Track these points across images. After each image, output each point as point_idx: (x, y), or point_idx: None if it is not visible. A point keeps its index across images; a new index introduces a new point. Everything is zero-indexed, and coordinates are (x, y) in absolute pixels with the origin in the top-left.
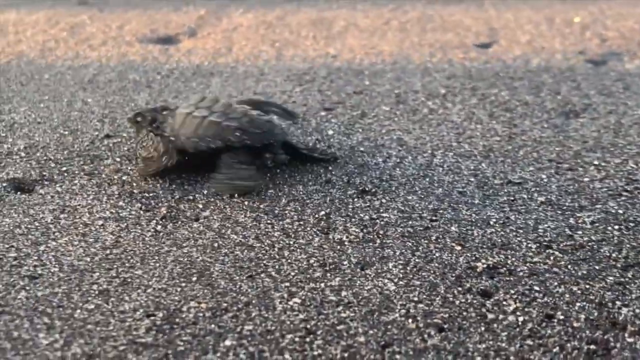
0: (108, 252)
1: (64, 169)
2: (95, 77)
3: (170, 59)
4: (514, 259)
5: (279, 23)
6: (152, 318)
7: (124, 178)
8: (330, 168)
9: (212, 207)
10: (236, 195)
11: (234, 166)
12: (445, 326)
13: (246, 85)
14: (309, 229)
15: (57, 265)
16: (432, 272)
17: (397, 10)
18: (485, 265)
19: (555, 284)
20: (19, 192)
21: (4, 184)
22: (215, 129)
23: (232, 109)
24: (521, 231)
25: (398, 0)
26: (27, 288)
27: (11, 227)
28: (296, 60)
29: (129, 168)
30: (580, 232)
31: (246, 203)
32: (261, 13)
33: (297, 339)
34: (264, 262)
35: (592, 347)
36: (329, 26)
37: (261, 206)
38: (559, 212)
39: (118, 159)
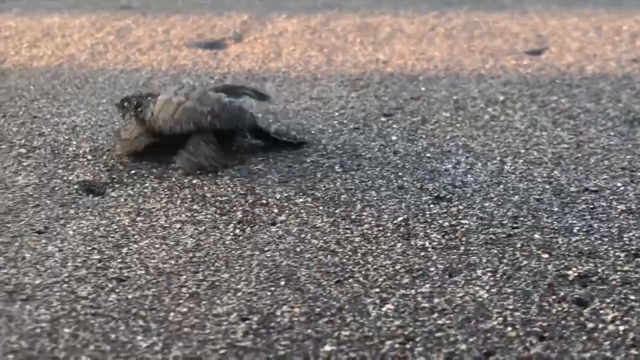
0: (191, 255)
1: (133, 172)
2: (149, 80)
3: (221, 64)
4: (604, 268)
5: (324, 28)
6: (248, 322)
7: (194, 181)
8: (400, 174)
9: (287, 211)
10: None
11: (200, 145)
12: (546, 335)
13: (301, 90)
14: (389, 234)
15: (142, 268)
16: (522, 280)
17: (440, 17)
18: (576, 274)
19: None
20: (90, 195)
21: (75, 187)
22: (190, 113)
23: (207, 96)
24: (606, 239)
25: (440, 6)
26: (117, 290)
27: (90, 230)
28: (347, 65)
29: (198, 171)
30: None
31: (321, 208)
32: (304, 18)
33: (397, 346)
34: (350, 267)
35: None
36: (374, 32)
37: (337, 211)
38: None
39: None
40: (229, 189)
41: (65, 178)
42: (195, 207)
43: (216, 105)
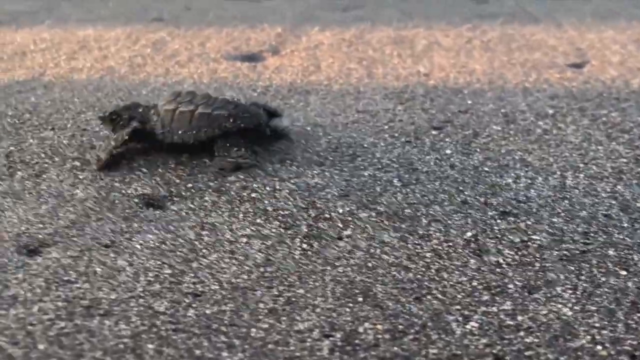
0: (262, 269)
1: (189, 185)
2: None
3: (262, 77)
4: None
5: (359, 41)
6: (332, 339)
7: (252, 195)
8: (461, 188)
9: (352, 226)
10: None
11: (230, 149)
12: (637, 353)
13: (346, 103)
14: (460, 250)
15: (216, 283)
16: (604, 297)
17: (475, 30)
18: None
19: None
20: (151, 208)
21: (135, 200)
22: (209, 119)
23: (213, 100)
24: None
25: (473, 19)
26: (194, 305)
27: (157, 244)
28: (389, 78)
29: (255, 185)
30: None
31: (386, 222)
32: (338, 31)
33: None
34: (426, 283)
35: None
36: (411, 44)
37: (403, 226)
38: None
39: (241, 176)
40: (290, 202)
41: (123, 191)
42: (258, 221)
43: (230, 107)
